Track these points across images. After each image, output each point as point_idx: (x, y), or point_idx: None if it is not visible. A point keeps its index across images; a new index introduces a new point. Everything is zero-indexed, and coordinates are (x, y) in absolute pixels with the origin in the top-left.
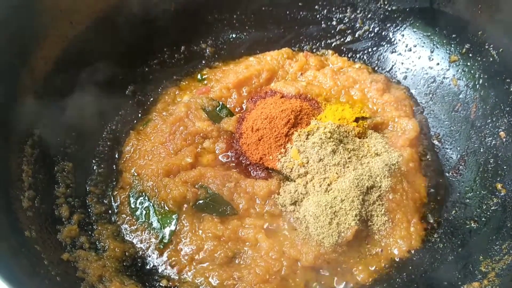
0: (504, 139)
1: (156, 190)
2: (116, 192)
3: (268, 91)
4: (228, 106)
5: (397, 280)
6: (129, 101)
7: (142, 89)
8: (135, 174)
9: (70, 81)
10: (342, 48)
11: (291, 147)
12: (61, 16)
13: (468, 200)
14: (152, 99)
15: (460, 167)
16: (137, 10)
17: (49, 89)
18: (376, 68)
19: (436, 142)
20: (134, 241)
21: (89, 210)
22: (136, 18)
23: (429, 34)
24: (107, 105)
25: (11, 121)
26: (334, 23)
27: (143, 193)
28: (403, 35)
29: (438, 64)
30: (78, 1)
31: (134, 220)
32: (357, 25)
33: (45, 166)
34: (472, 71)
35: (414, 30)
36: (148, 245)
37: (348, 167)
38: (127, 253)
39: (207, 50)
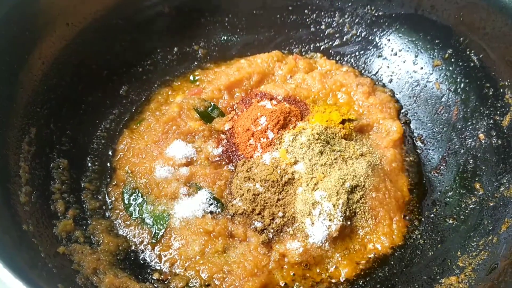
0: (483, 141)
1: (149, 187)
2: (110, 189)
3: (258, 93)
4: (219, 106)
5: (379, 274)
6: (123, 100)
7: (135, 89)
8: (129, 171)
9: (66, 80)
10: (330, 51)
11: (280, 147)
12: (58, 17)
13: (448, 199)
14: (145, 99)
15: (441, 167)
16: (131, 12)
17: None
18: (362, 71)
19: (419, 143)
20: (128, 236)
21: (84, 205)
22: (130, 20)
23: (413, 39)
24: (101, 104)
25: (9, 120)
26: (323, 27)
27: (137, 190)
28: (389, 40)
29: (422, 68)
30: (74, 3)
31: (127, 216)
32: (345, 29)
33: (42, 163)
34: (454, 76)
35: (400, 35)
36: (141, 240)
37: (334, 167)
38: (120, 247)
39: (200, 52)
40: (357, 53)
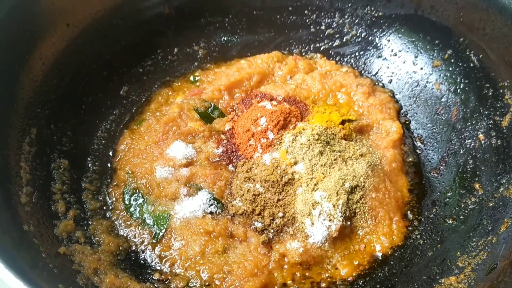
0: (482, 142)
1: (149, 188)
2: (110, 189)
3: (258, 93)
4: (219, 107)
5: (379, 274)
6: (123, 101)
7: (136, 89)
8: (129, 172)
9: (67, 81)
10: (330, 52)
11: (280, 148)
12: (59, 18)
13: (447, 199)
14: (145, 99)
15: (441, 167)
16: (131, 12)
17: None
18: (362, 72)
19: (418, 143)
20: (128, 236)
21: (85, 206)
22: (131, 20)
23: (413, 40)
24: (102, 104)
25: (10, 120)
26: (323, 27)
27: (137, 190)
28: (388, 40)
29: (421, 68)
30: (74, 3)
31: (128, 216)
32: (345, 30)
33: (42, 163)
34: (453, 76)
35: (399, 35)
36: (141, 240)
37: (333, 167)
38: (121, 248)
39: (200, 52)
40: (357, 54)
